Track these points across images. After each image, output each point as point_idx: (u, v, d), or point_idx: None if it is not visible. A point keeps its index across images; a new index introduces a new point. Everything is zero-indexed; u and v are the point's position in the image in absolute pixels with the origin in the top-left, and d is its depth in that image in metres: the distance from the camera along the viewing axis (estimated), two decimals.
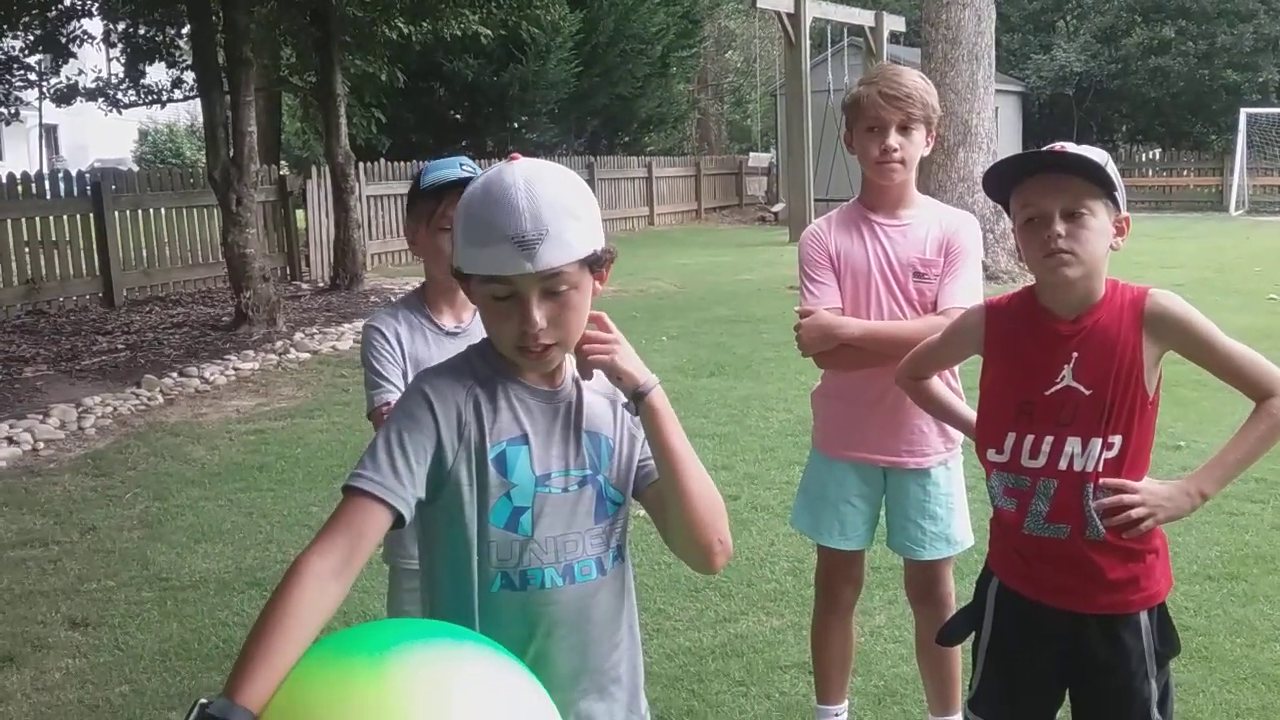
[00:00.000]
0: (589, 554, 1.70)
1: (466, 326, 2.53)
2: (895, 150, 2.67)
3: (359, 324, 10.51)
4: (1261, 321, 9.41)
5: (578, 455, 1.70)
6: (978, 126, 12.63)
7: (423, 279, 2.60)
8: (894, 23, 20.32)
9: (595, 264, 1.61)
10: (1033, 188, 2.04)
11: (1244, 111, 23.77)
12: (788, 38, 17.98)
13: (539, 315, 1.57)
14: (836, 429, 2.89)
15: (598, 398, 1.75)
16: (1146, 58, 26.93)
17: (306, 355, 9.22)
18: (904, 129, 2.68)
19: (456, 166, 2.43)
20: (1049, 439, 2.08)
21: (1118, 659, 2.10)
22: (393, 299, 11.86)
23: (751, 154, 29.07)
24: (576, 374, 1.71)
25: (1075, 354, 2.06)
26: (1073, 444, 2.06)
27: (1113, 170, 2.02)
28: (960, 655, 2.93)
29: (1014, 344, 2.15)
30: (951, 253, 2.72)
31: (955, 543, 2.86)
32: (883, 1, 29.10)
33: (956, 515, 2.85)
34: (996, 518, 2.22)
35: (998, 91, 13.77)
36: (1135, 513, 2.04)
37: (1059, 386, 2.07)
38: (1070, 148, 2.02)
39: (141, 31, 13.50)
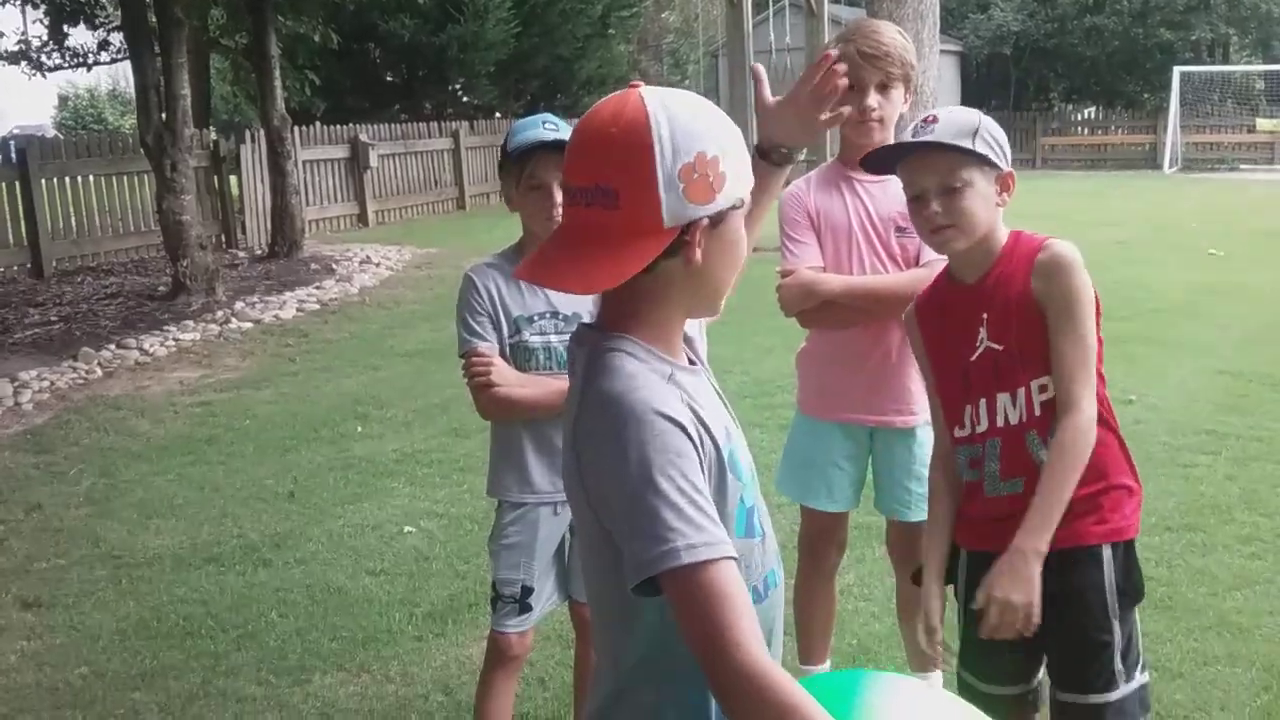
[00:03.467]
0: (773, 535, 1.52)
1: None
2: (874, 110, 2.64)
3: (301, 292, 10.31)
4: (1204, 276, 9.58)
5: (739, 428, 1.49)
6: (923, 85, 12.61)
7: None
8: None
9: None
10: (911, 166, 2.10)
11: (1177, 70, 24.09)
12: None
13: None
14: (822, 390, 2.87)
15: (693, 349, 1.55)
16: (1082, 16, 27.13)
17: (249, 325, 9.02)
18: (883, 88, 2.65)
19: (539, 126, 2.47)
20: (983, 401, 2.12)
21: (1074, 589, 2.07)
22: (334, 266, 11.48)
23: None
24: None
25: (985, 315, 2.10)
26: (1003, 400, 2.10)
27: (985, 137, 2.04)
28: None
29: (939, 321, 2.21)
30: None
31: None
32: None
33: None
34: (965, 493, 2.22)
35: (940, 51, 13.80)
36: (992, 623, 2.03)
37: (981, 350, 2.11)
38: (936, 125, 2.04)
39: None
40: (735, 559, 1.25)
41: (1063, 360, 2.04)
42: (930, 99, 12.86)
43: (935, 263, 2.60)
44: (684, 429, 1.28)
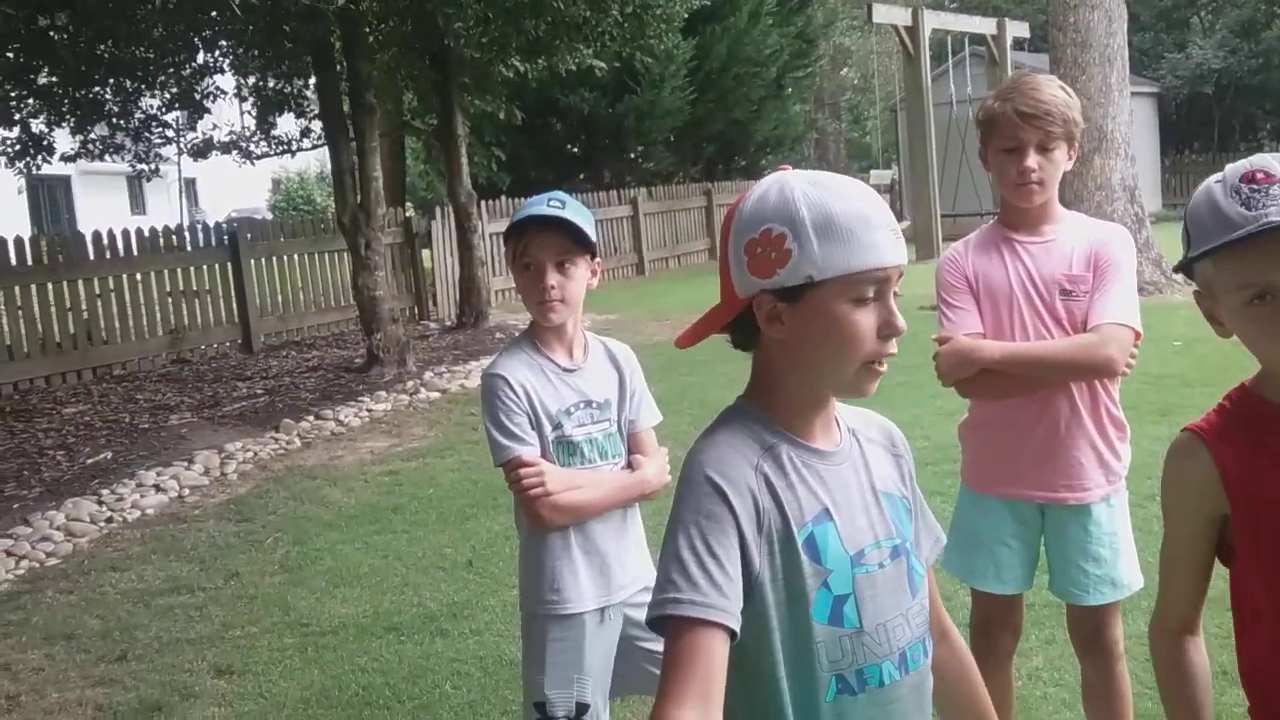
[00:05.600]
0: (916, 635, 1.48)
1: (582, 364, 2.47)
2: (1034, 171, 2.52)
3: (485, 360, 10.58)
4: None
5: (883, 521, 1.47)
6: (1114, 131, 12.13)
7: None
8: (1017, 29, 19.75)
9: None
10: (1252, 253, 1.43)
11: None
12: (906, 51, 17.67)
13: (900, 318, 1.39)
14: (986, 463, 2.72)
15: (877, 449, 1.54)
16: None
17: (436, 394, 9.34)
18: (1043, 148, 2.52)
19: (544, 203, 2.36)
20: None
21: None
22: (517, 334, 11.86)
23: (873, 171, 28.65)
24: (850, 425, 1.52)
25: None
26: None
27: None
28: (1132, 703, 2.72)
29: (1256, 457, 1.52)
30: (1101, 266, 2.54)
31: (1122, 586, 2.65)
32: (1004, 8, 28.43)
33: (1122, 556, 2.64)
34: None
35: (1132, 94, 13.20)
36: None
37: None
38: None
39: (270, 84, 13.98)
40: (727, 628, 1.28)
41: None
42: (1124, 144, 12.33)
43: (1104, 327, 2.44)
44: (724, 495, 1.34)
